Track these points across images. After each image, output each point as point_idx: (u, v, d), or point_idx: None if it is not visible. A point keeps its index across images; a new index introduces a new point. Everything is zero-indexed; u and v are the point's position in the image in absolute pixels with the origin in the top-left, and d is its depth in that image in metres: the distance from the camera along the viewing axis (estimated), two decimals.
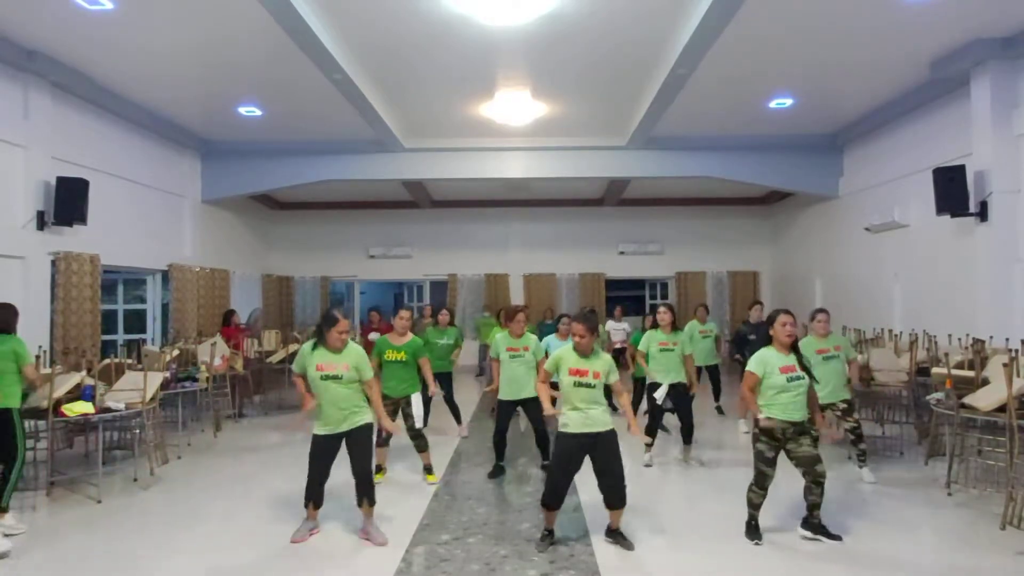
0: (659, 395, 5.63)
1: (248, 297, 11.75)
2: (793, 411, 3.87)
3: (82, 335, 7.18)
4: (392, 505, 4.75)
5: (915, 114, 8.15)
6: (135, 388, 5.50)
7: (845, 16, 5.88)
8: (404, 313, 5.46)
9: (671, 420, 6.26)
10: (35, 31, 6.09)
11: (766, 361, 3.93)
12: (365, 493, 4.09)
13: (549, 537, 4.01)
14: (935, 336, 7.10)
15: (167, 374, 6.33)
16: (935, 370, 5.54)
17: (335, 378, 4.01)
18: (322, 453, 4.09)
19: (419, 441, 5.29)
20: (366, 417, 4.13)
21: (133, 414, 5.44)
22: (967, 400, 4.82)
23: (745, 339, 7.15)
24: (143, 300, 9.43)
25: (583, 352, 3.89)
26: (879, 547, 3.92)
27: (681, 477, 5.56)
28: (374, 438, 4.32)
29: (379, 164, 10.20)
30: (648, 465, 5.72)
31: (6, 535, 4.06)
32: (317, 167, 10.18)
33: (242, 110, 8.51)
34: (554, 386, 4.18)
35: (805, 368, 3.93)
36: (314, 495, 4.13)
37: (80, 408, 4.99)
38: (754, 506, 4.05)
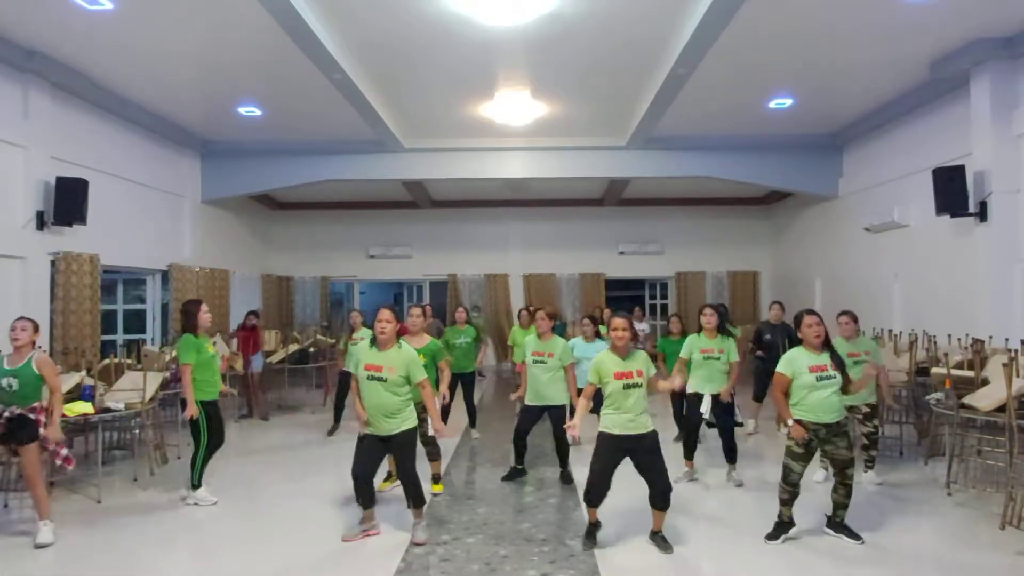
0: (704, 409, 5.14)
1: (248, 297, 11.75)
2: (824, 412, 3.82)
3: (82, 335, 7.18)
4: (392, 505, 4.75)
5: (915, 114, 8.15)
6: (135, 388, 5.50)
7: (845, 16, 5.88)
8: (415, 311, 5.17)
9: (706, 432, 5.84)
10: (35, 31, 6.09)
11: (794, 361, 3.90)
12: (409, 495, 4.09)
13: (594, 531, 4.01)
14: (935, 336, 7.10)
15: (167, 374, 6.33)
16: (935, 370, 5.54)
17: (379, 380, 3.96)
18: (364, 453, 4.03)
19: (432, 448, 5.07)
20: (409, 422, 4.05)
21: (133, 414, 5.44)
22: (967, 400, 4.82)
23: (761, 338, 7.13)
24: (143, 300, 9.43)
25: (622, 352, 3.84)
26: (879, 547, 3.92)
27: (711, 483, 5.29)
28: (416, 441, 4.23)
29: (379, 164, 10.19)
30: (694, 479, 5.28)
31: (196, 504, 4.79)
32: (317, 167, 10.18)
33: (242, 110, 8.50)
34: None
35: (840, 367, 3.87)
36: (362, 496, 4.07)
37: (80, 408, 4.99)
38: (783, 502, 3.98)
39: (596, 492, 3.89)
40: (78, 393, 5.21)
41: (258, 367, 8.34)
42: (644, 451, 3.79)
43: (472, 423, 7.00)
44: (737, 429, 5.42)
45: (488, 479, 5.52)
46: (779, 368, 3.94)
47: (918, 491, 5.02)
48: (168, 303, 9.30)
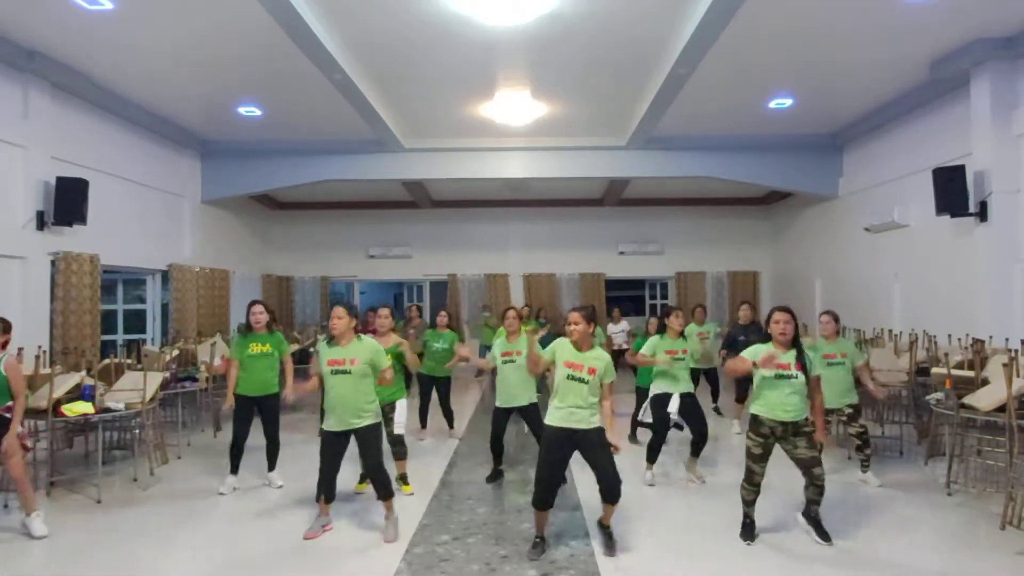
0: (672, 410, 5.13)
1: (248, 297, 11.70)
2: (782, 410, 3.80)
3: (82, 335, 7.18)
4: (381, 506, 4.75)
5: (915, 114, 8.15)
6: (135, 388, 5.50)
7: (845, 16, 5.88)
8: (383, 311, 5.20)
9: (674, 431, 5.79)
10: (35, 31, 6.09)
11: (758, 352, 3.88)
12: (379, 487, 4.14)
13: (541, 544, 3.89)
14: (935, 336, 7.11)
15: (167, 374, 6.33)
16: (935, 370, 5.54)
17: (344, 372, 4.01)
18: (329, 448, 4.10)
19: (398, 448, 5.07)
20: (372, 417, 4.14)
21: (133, 414, 5.44)
22: (967, 400, 4.82)
23: (735, 340, 7.11)
24: (143, 300, 9.43)
25: (579, 345, 3.81)
26: (878, 547, 3.92)
27: (680, 484, 5.34)
28: (383, 434, 4.29)
29: (379, 164, 10.20)
30: (651, 484, 5.22)
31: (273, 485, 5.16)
32: (317, 167, 10.18)
33: (242, 110, 8.50)
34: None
35: (804, 368, 3.83)
36: (324, 489, 4.15)
37: (80, 408, 4.99)
38: (746, 503, 4.02)
39: (542, 496, 3.78)
40: (78, 393, 5.20)
41: None
42: (588, 445, 3.74)
43: (450, 424, 7.02)
44: (724, 429, 5.38)
45: (486, 482, 5.51)
46: (743, 353, 3.97)
47: (918, 491, 5.02)
48: (168, 303, 9.30)
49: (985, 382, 4.92)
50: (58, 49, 6.48)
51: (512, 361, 5.20)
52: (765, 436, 3.87)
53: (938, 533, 4.23)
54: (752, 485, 3.96)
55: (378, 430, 4.18)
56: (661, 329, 5.41)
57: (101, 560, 3.91)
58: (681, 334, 5.39)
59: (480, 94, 8.06)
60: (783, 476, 4.80)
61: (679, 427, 5.39)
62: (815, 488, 3.87)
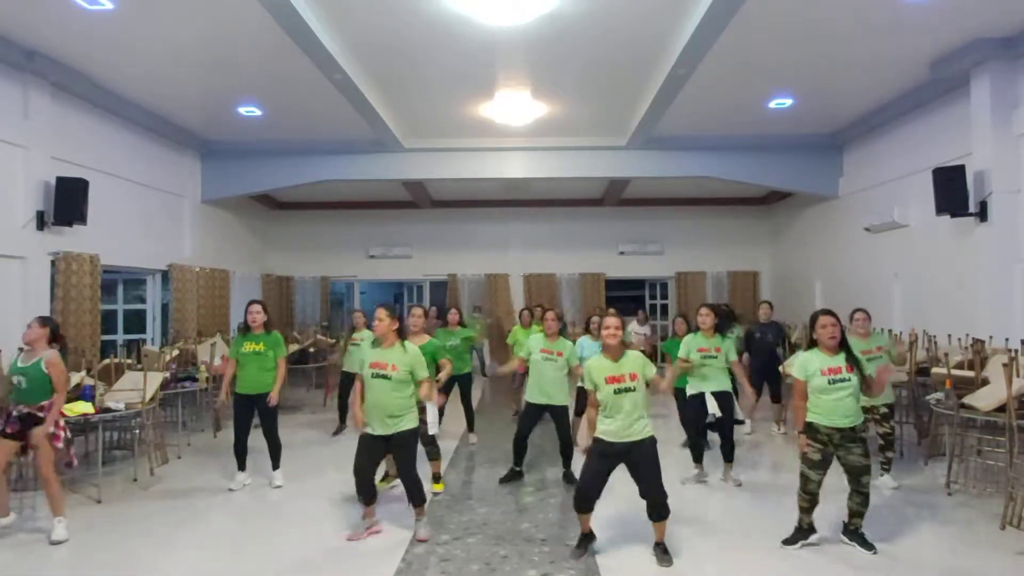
0: (711, 407, 5.09)
1: (248, 297, 11.70)
2: (839, 416, 3.69)
3: (82, 335, 7.18)
4: (392, 505, 4.75)
5: (915, 114, 8.15)
6: (135, 388, 5.50)
7: (845, 16, 5.88)
8: (417, 311, 5.24)
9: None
10: (35, 31, 6.08)
11: (807, 364, 3.79)
12: (411, 494, 4.12)
13: (585, 541, 3.90)
14: (935, 336, 7.11)
15: (167, 374, 6.33)
16: (935, 370, 5.54)
17: (384, 377, 3.98)
18: (365, 449, 4.05)
19: (431, 448, 5.08)
20: (410, 422, 4.08)
21: (133, 414, 5.44)
22: (967, 400, 4.82)
23: (752, 337, 7.13)
24: (143, 300, 9.43)
25: (614, 354, 3.74)
26: (878, 547, 3.92)
27: (714, 491, 5.21)
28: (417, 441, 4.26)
29: (379, 164, 10.19)
30: (703, 481, 5.24)
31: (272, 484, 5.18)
32: (317, 167, 10.18)
33: (242, 110, 8.50)
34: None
35: (857, 368, 3.74)
36: (362, 491, 4.09)
37: (80, 408, 4.99)
38: (802, 510, 3.90)
39: (585, 499, 3.78)
40: (78, 393, 5.21)
41: None
42: (638, 458, 3.67)
43: (470, 427, 6.93)
44: (736, 428, 5.39)
45: (488, 479, 5.51)
46: (794, 373, 3.87)
47: (918, 491, 5.02)
48: (168, 303, 9.30)
49: (985, 382, 4.92)
50: (58, 49, 6.48)
51: (553, 360, 5.23)
52: (823, 443, 3.77)
53: (938, 533, 4.23)
54: (808, 493, 3.85)
55: (414, 436, 4.13)
56: (695, 328, 5.36)
57: (101, 560, 3.91)
58: (719, 331, 5.28)
59: (480, 94, 8.06)
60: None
61: (713, 427, 5.32)
62: (860, 496, 3.80)
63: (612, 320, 3.79)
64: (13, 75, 6.49)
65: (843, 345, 3.79)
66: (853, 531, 3.91)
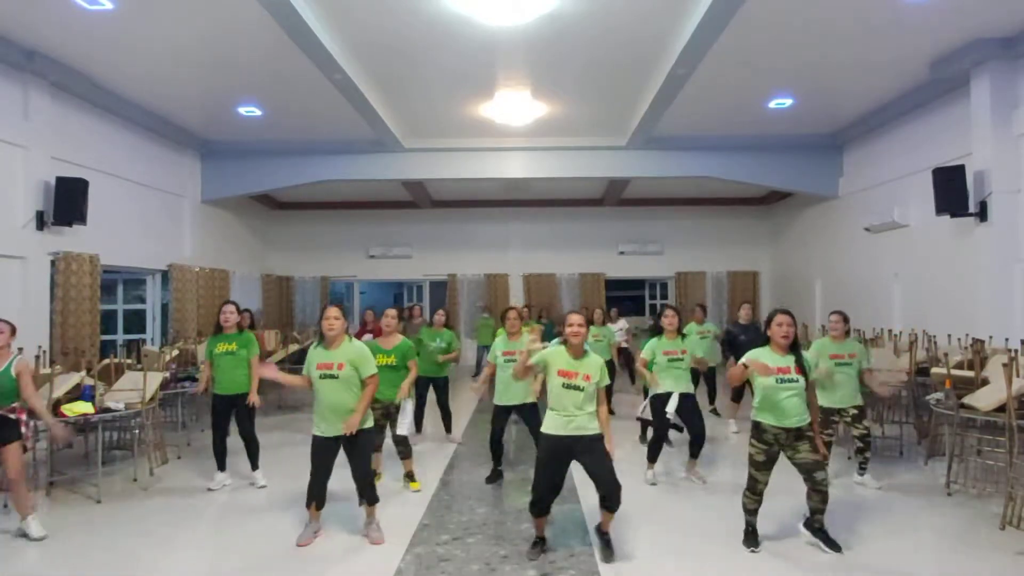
0: (670, 409, 5.11)
1: (248, 297, 11.75)
2: (785, 416, 3.72)
3: (81, 335, 7.18)
4: (392, 506, 4.75)
5: (915, 114, 8.15)
6: (135, 388, 5.50)
7: (845, 16, 5.88)
8: (391, 312, 5.28)
9: (674, 432, 5.82)
10: (35, 31, 6.09)
11: (757, 356, 3.81)
12: (364, 494, 4.10)
13: (540, 544, 3.89)
14: (935, 336, 7.11)
15: (167, 374, 6.33)
16: (935, 370, 5.54)
17: (331, 377, 3.95)
18: (320, 453, 4.04)
19: (402, 448, 5.14)
20: (367, 421, 4.08)
21: (133, 414, 5.44)
22: (967, 400, 4.82)
23: (735, 340, 7.12)
24: (143, 300, 9.43)
25: (575, 352, 3.73)
26: (878, 547, 3.92)
27: (683, 486, 5.30)
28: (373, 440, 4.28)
29: (379, 164, 10.20)
30: (653, 484, 5.24)
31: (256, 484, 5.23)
32: (317, 167, 10.18)
33: (242, 110, 8.51)
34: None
35: (803, 371, 3.75)
36: (315, 495, 4.08)
37: (80, 408, 4.99)
38: (749, 512, 3.95)
39: (540, 504, 3.75)
40: (78, 393, 5.20)
41: None
42: (587, 452, 3.66)
43: (448, 428, 6.91)
44: (721, 429, 5.35)
45: (485, 483, 5.51)
46: (745, 358, 3.87)
47: (918, 491, 5.02)
48: (168, 303, 9.30)
49: (985, 382, 4.92)
50: (58, 49, 6.48)
51: (514, 360, 5.12)
52: (769, 444, 3.78)
53: (938, 533, 4.23)
54: (755, 494, 3.88)
55: (369, 436, 4.12)
56: (657, 331, 5.38)
57: (101, 560, 3.91)
58: (680, 334, 5.33)
59: (480, 94, 8.06)
60: (787, 480, 4.79)
61: (679, 428, 5.36)
62: (818, 495, 3.78)
63: (576, 317, 3.73)
64: (13, 75, 6.49)
65: (794, 347, 3.81)
66: (816, 528, 3.89)
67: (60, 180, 6.80)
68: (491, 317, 12.46)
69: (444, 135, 9.84)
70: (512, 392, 5.21)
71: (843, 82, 7.67)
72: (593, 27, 6.12)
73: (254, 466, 5.32)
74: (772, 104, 8.40)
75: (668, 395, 5.16)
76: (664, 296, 14.18)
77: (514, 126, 9.19)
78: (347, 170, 10.20)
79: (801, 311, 11.21)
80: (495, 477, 5.47)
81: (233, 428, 5.20)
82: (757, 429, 3.82)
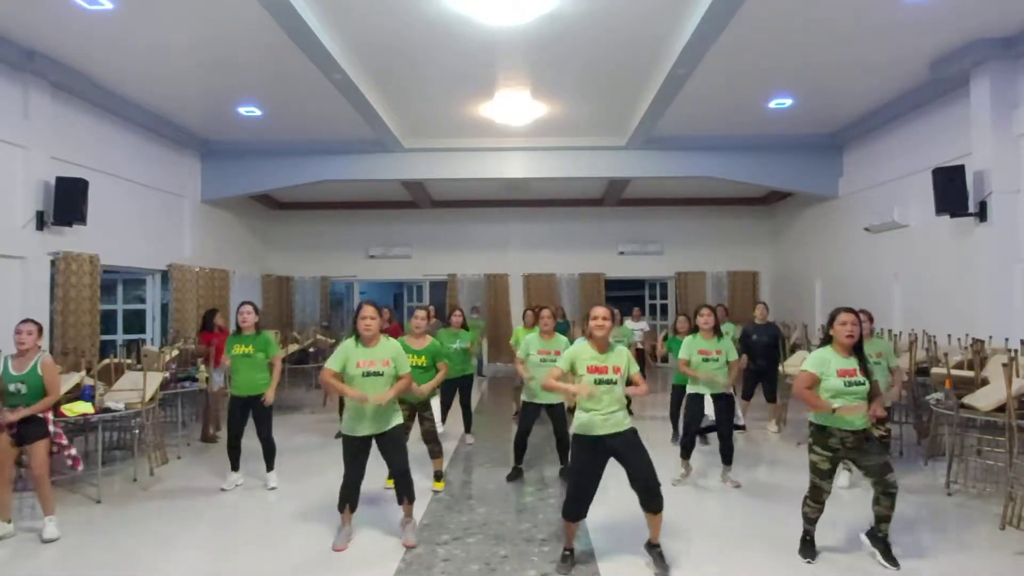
0: (708, 410, 5.07)
1: (248, 297, 11.72)
2: (851, 418, 3.56)
3: (81, 335, 7.18)
4: (392, 505, 4.75)
5: (915, 114, 8.15)
6: (134, 388, 5.50)
7: (845, 16, 5.88)
8: (420, 312, 5.23)
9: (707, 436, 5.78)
10: (35, 31, 6.08)
11: (825, 362, 3.63)
12: (403, 491, 4.06)
13: (570, 558, 3.72)
14: (935, 336, 7.11)
15: (166, 374, 6.33)
16: (935, 370, 5.55)
17: (376, 375, 3.91)
18: (354, 454, 3.99)
19: (433, 447, 5.13)
20: (398, 417, 4.06)
21: (132, 414, 5.44)
22: (966, 400, 4.82)
23: (749, 339, 7.13)
24: (142, 300, 9.43)
25: (600, 346, 3.62)
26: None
27: (715, 489, 5.18)
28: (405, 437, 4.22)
29: (379, 164, 10.20)
30: (678, 482, 5.18)
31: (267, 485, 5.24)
32: (317, 167, 10.18)
33: (242, 110, 8.51)
34: None
35: (867, 372, 3.60)
36: (348, 498, 4.04)
37: (79, 408, 4.99)
38: (809, 520, 3.78)
39: (576, 506, 3.62)
40: (78, 393, 5.20)
41: (218, 382, 7.18)
42: (625, 449, 3.54)
43: (467, 428, 6.93)
44: (758, 432, 5.32)
45: (488, 479, 5.52)
46: (806, 366, 3.69)
47: (918, 491, 5.02)
48: (168, 303, 9.30)
49: (985, 382, 4.93)
50: (58, 49, 6.48)
51: (551, 361, 5.13)
52: (835, 449, 3.61)
53: (938, 533, 4.23)
54: (817, 503, 3.71)
55: (403, 432, 4.10)
56: (694, 329, 5.29)
57: (101, 560, 3.91)
58: (718, 333, 5.19)
59: (480, 94, 8.06)
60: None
61: (713, 429, 5.28)
62: (887, 498, 3.60)
63: (601, 310, 3.61)
64: (13, 75, 6.49)
65: (858, 348, 3.65)
66: (880, 538, 3.71)
67: (60, 180, 6.80)
68: (481, 318, 12.46)
69: (444, 135, 9.84)
70: (545, 392, 5.21)
71: (843, 82, 7.67)
72: (593, 27, 6.12)
73: (269, 467, 5.32)
74: (772, 104, 8.40)
75: (700, 396, 5.09)
76: (664, 296, 14.18)
77: (514, 126, 9.19)
78: (347, 170, 10.20)
79: (801, 311, 11.22)
80: (516, 475, 5.47)
81: (250, 429, 5.20)
82: (821, 434, 3.63)
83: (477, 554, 3.91)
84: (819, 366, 3.65)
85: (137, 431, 5.78)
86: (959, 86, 7.09)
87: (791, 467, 5.74)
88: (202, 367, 6.96)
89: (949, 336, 6.92)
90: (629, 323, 10.03)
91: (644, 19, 5.99)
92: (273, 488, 5.24)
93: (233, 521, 4.59)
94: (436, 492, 5.08)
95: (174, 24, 5.96)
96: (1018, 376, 4.56)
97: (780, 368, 7.02)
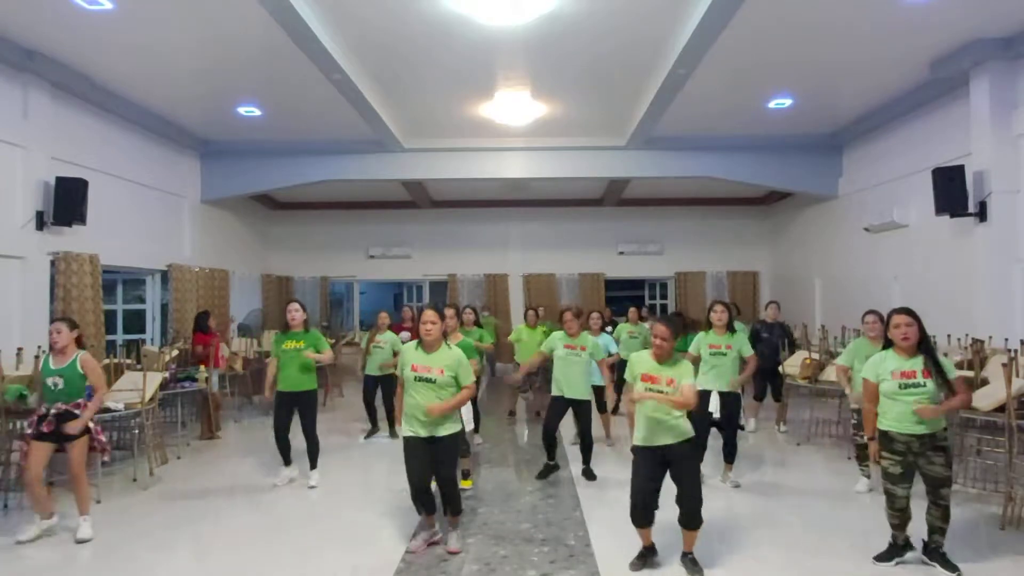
0: (713, 407, 5.06)
1: (248, 297, 11.75)
2: (913, 422, 3.44)
3: (84, 335, 7.15)
4: (392, 505, 4.76)
5: (915, 114, 8.15)
6: (134, 388, 5.50)
7: (845, 16, 5.88)
8: (449, 311, 5.24)
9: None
10: (35, 31, 6.08)
11: (878, 364, 3.57)
12: (447, 501, 4.01)
13: (647, 554, 3.69)
14: (934, 336, 7.07)
15: (166, 374, 6.33)
16: None
17: (428, 381, 3.81)
18: (415, 454, 3.88)
19: (462, 446, 5.02)
20: (455, 425, 3.95)
21: (132, 414, 5.44)
22: None
23: (758, 336, 7.15)
24: (142, 300, 9.43)
25: (660, 358, 3.58)
26: (877, 548, 3.91)
27: (711, 493, 5.19)
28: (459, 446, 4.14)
29: (379, 164, 10.19)
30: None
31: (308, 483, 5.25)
32: (317, 167, 10.18)
33: (242, 110, 8.50)
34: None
35: (939, 373, 3.43)
36: (420, 501, 3.95)
37: None
38: (895, 527, 3.67)
39: (639, 511, 3.57)
40: None
41: (214, 386, 7.27)
42: (678, 460, 3.53)
43: (476, 428, 6.94)
44: (767, 434, 5.29)
45: (488, 479, 5.52)
46: (863, 373, 3.64)
47: (918, 491, 5.00)
48: (168, 303, 9.30)
49: (985, 382, 4.92)
50: (58, 49, 6.48)
51: (576, 355, 5.31)
52: (902, 454, 3.50)
53: None
54: (896, 509, 3.59)
55: (457, 440, 3.99)
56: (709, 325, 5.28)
57: (100, 560, 3.91)
58: (730, 330, 5.19)
59: (480, 94, 8.06)
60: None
61: (720, 426, 5.28)
62: (939, 509, 3.52)
63: (662, 329, 3.55)
64: (13, 75, 6.48)
65: (922, 347, 3.50)
66: (934, 549, 3.62)
67: (60, 180, 6.80)
68: (491, 316, 12.46)
69: (444, 135, 9.84)
70: (573, 385, 5.30)
71: (843, 82, 7.67)
72: (593, 27, 6.12)
73: (312, 465, 5.37)
74: (772, 104, 8.40)
75: (707, 393, 5.07)
76: (664, 296, 14.18)
77: (514, 126, 9.19)
78: (347, 170, 10.19)
79: (801, 311, 11.21)
80: (548, 471, 5.49)
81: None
82: (886, 438, 3.56)
83: (477, 554, 3.91)
84: (873, 370, 3.60)
85: (137, 431, 5.78)
86: (959, 86, 7.09)
87: (791, 467, 5.74)
88: (202, 368, 7.00)
89: (949, 336, 6.91)
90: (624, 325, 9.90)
91: (644, 19, 5.99)
92: (312, 487, 5.24)
93: (232, 521, 4.58)
94: (464, 490, 5.04)
95: (174, 24, 5.95)
96: (1018, 376, 4.56)
97: (780, 368, 7.02)
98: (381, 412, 7.21)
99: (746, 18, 5.70)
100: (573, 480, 5.38)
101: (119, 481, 5.46)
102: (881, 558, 3.71)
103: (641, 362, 3.65)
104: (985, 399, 4.69)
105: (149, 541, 4.19)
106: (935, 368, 3.47)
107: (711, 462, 5.69)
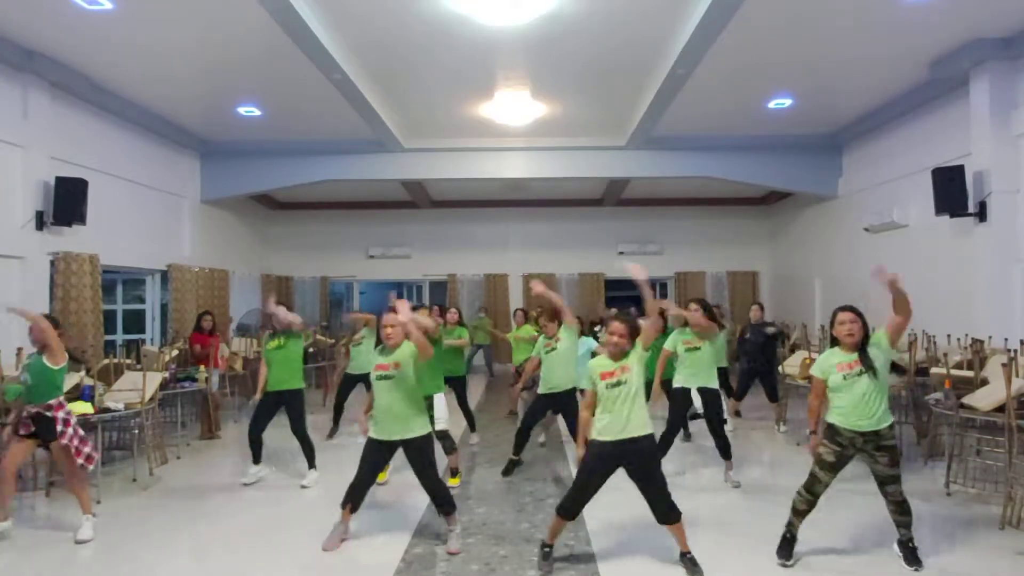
0: (697, 403, 5.08)
1: (248, 297, 11.75)
2: (857, 418, 3.49)
3: (82, 336, 7.17)
4: (392, 505, 4.76)
5: (914, 114, 8.15)
6: (134, 388, 5.50)
7: (844, 16, 5.89)
8: (423, 311, 5.32)
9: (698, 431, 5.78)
10: (35, 31, 6.08)
11: (824, 362, 3.65)
12: (438, 503, 4.02)
13: (549, 554, 3.72)
14: (934, 336, 7.11)
15: (166, 374, 6.33)
16: (934, 370, 5.54)
17: (387, 378, 3.88)
18: (371, 457, 3.95)
19: (445, 442, 5.13)
20: (421, 427, 3.96)
21: (132, 414, 5.44)
22: (966, 400, 4.82)
23: (742, 338, 7.19)
24: (142, 300, 9.43)
25: (616, 356, 3.56)
26: (877, 547, 3.92)
27: (712, 492, 5.12)
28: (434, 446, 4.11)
29: (379, 164, 10.19)
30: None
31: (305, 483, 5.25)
32: (317, 167, 10.18)
33: (241, 110, 8.50)
34: None
35: (870, 365, 3.49)
36: (353, 497, 4.00)
37: (79, 408, 4.98)
38: (796, 512, 3.67)
39: (574, 505, 3.59)
40: (78, 393, 5.20)
41: (213, 386, 7.29)
42: (637, 458, 3.50)
43: (472, 427, 6.92)
44: (763, 433, 5.32)
45: (487, 479, 5.52)
46: (812, 371, 3.73)
47: (917, 491, 5.01)
48: (167, 303, 9.30)
49: (984, 382, 4.92)
50: (58, 49, 6.48)
51: (554, 349, 5.35)
52: (842, 446, 3.56)
53: (938, 533, 4.22)
54: (811, 495, 3.61)
55: (427, 442, 3.98)
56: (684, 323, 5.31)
57: (100, 560, 3.91)
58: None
59: (480, 94, 8.06)
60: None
61: (698, 416, 5.31)
62: (893, 505, 3.60)
63: (618, 326, 3.55)
64: (12, 75, 6.49)
65: (861, 345, 3.59)
66: (902, 543, 3.68)
67: (60, 180, 6.80)
68: (487, 317, 12.47)
69: (444, 135, 9.84)
70: (551, 379, 5.32)
71: (843, 82, 7.67)
72: (593, 27, 6.12)
73: (310, 464, 5.38)
74: (772, 104, 8.40)
75: (687, 390, 5.12)
76: (664, 296, 14.15)
77: (514, 126, 9.19)
78: (347, 170, 10.20)
79: (800, 311, 11.22)
80: (513, 468, 5.50)
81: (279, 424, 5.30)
82: (831, 430, 3.61)
83: (477, 554, 3.91)
84: (819, 367, 3.70)
85: (137, 431, 5.78)
86: (958, 86, 7.10)
87: (791, 467, 5.74)
88: (201, 368, 7.01)
89: (949, 336, 6.92)
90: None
91: (644, 19, 6.00)
92: (304, 487, 5.25)
93: (232, 522, 4.58)
94: (452, 488, 5.06)
95: (174, 24, 5.96)
96: (1017, 376, 4.56)
97: (780, 368, 7.02)
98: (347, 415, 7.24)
99: (746, 18, 5.71)
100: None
101: (119, 481, 5.46)
102: (782, 555, 3.68)
103: (598, 365, 3.60)
104: (985, 399, 4.69)
105: (149, 541, 4.19)
106: (868, 363, 3.51)
107: (704, 462, 5.71)
